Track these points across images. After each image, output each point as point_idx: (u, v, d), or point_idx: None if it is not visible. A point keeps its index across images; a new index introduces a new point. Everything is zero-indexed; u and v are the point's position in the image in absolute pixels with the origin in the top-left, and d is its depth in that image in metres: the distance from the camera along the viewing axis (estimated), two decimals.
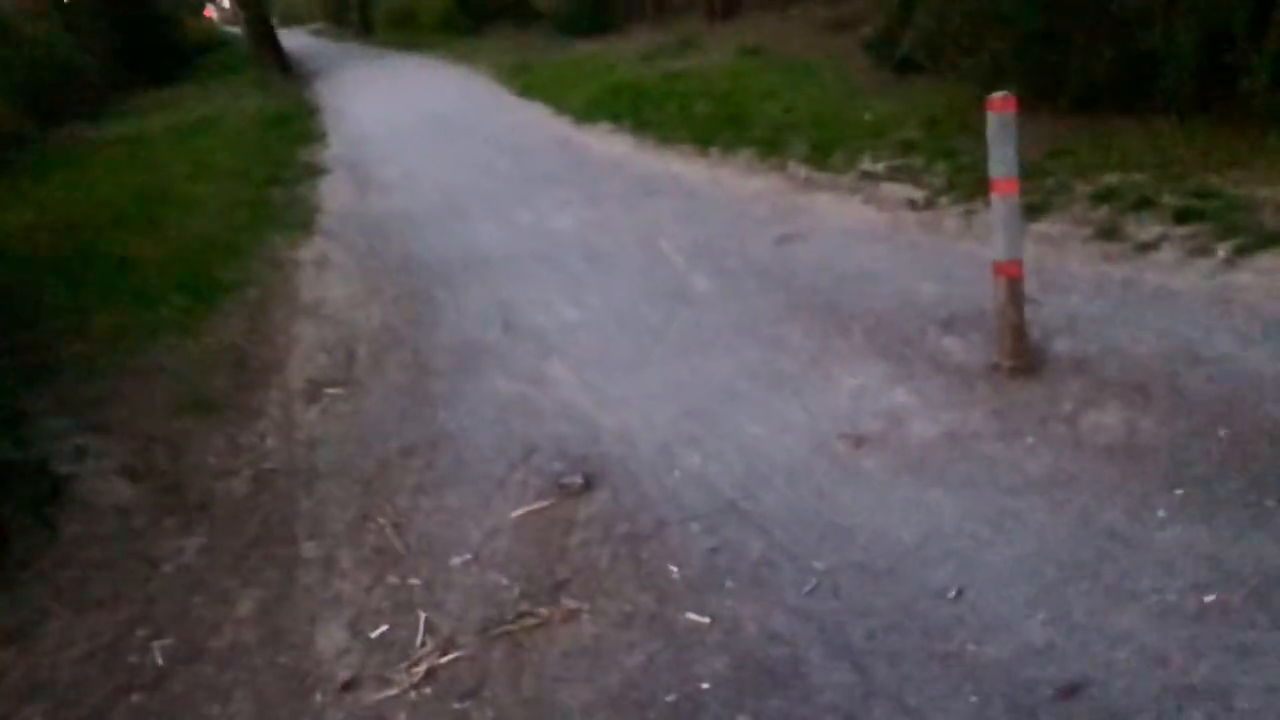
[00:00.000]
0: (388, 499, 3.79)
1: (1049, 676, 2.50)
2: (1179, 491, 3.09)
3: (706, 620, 2.85)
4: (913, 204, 6.29)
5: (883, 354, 4.37)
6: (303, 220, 8.49)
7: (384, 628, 3.06)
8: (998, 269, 3.93)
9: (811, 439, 3.76)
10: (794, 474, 3.54)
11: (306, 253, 7.52)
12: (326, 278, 6.82)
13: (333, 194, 9.53)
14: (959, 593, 2.82)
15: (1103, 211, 5.41)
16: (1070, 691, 2.45)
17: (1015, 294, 3.94)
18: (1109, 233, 5.15)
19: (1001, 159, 3.81)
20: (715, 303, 5.32)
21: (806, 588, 2.93)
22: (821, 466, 3.56)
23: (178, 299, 6.33)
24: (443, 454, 4.08)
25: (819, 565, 3.02)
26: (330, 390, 4.89)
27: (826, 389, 4.14)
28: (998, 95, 3.75)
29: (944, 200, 6.17)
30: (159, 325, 5.92)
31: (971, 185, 6.17)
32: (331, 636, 3.07)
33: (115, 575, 3.54)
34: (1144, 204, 5.32)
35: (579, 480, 3.66)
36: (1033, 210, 5.49)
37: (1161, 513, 3.01)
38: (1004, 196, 3.85)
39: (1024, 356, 3.98)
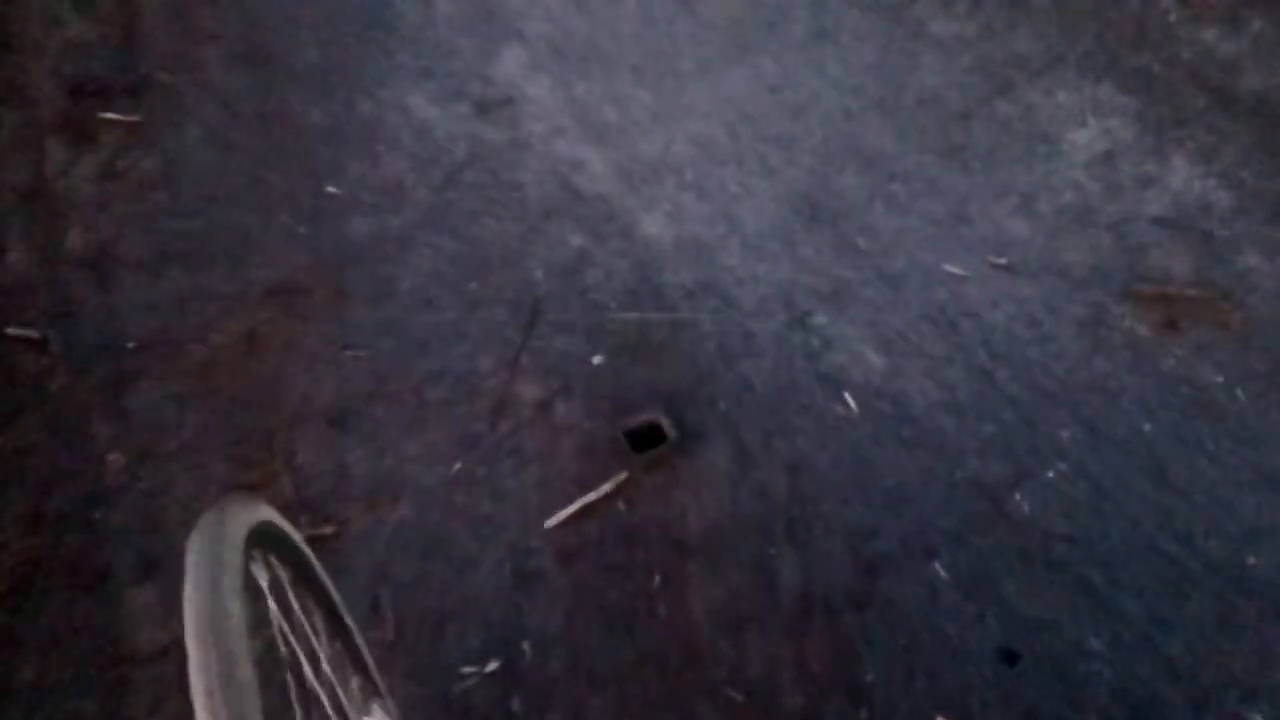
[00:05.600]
0: (276, 439, 1.86)
1: None
2: None
3: None
4: None
5: (1108, 65, 2.42)
6: None
7: None
8: None
9: (1071, 290, 1.96)
10: (1080, 397, 1.79)
11: None
12: None
13: None
14: None
15: None
16: None
17: None
18: None
19: None
20: None
21: None
22: (1127, 380, 1.82)
23: None
24: (356, 306, 2.08)
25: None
26: (110, 115, 2.62)
27: (1041, 152, 2.25)
28: None
29: None
30: None
31: None
32: None
33: None
34: None
35: (660, 420, 1.81)
36: None
37: None
38: None
39: None
